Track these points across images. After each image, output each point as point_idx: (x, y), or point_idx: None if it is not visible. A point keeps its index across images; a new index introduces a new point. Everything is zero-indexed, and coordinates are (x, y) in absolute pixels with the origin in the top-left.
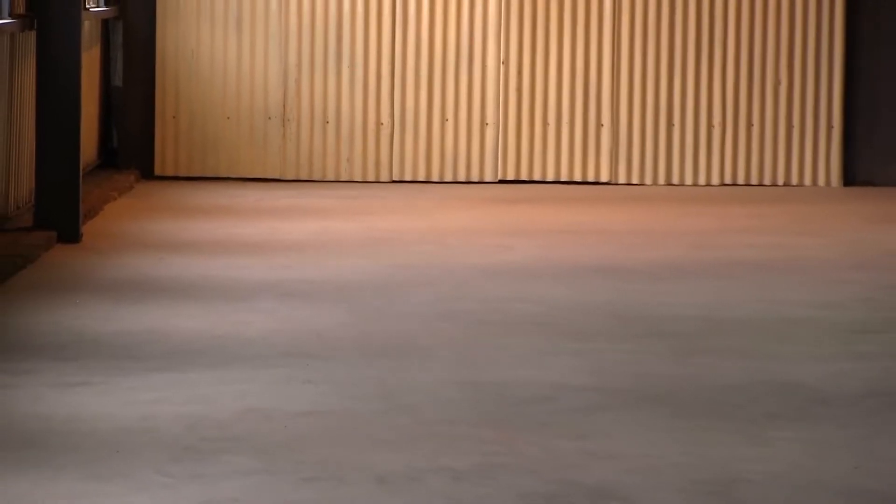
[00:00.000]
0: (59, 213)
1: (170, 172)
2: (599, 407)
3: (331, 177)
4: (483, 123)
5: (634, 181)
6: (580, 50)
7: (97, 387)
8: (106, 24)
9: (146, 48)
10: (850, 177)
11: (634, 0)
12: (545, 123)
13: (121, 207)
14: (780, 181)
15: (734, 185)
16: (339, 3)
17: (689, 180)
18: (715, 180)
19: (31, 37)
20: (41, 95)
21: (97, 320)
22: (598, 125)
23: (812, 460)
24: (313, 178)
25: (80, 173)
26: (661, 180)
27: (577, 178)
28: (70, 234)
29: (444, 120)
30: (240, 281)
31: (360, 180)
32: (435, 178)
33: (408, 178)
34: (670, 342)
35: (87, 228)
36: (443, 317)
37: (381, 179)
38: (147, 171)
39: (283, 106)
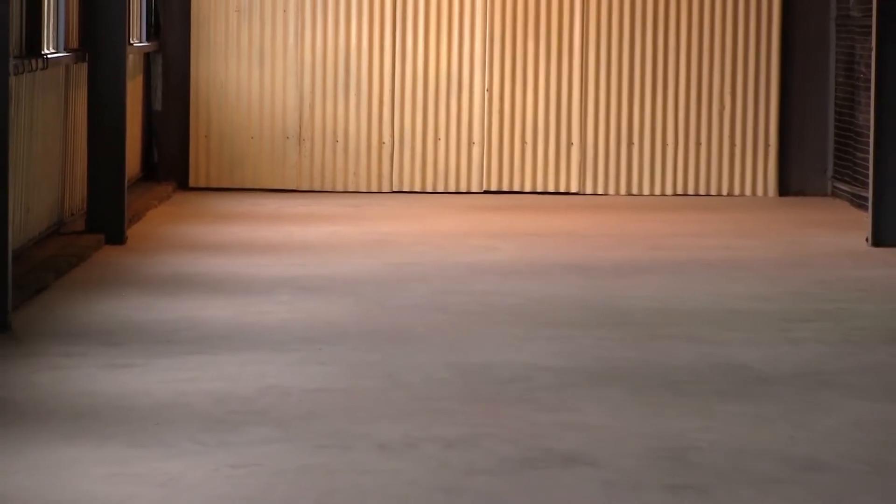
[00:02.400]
0: (108, 218)
1: (202, 184)
2: (570, 385)
3: (339, 188)
4: (470, 142)
5: (600, 191)
6: (553, 79)
7: (139, 368)
8: (147, 57)
9: (182, 78)
10: (784, 188)
11: (600, 36)
12: (523, 142)
13: (160, 214)
14: (725, 192)
15: (685, 195)
16: (346, 40)
17: (646, 191)
18: (668, 191)
19: (83, 68)
20: (92, 118)
21: (139, 310)
22: (569, 143)
23: (753, 431)
24: (325, 189)
25: (126, 185)
26: (623, 191)
27: (551, 188)
28: (117, 237)
29: (436, 139)
30: (261, 277)
31: (364, 191)
32: (429, 188)
33: (406, 188)
34: (631, 329)
35: (131, 232)
36: (435, 308)
37: (383, 190)
38: (183, 183)
39: (299, 127)
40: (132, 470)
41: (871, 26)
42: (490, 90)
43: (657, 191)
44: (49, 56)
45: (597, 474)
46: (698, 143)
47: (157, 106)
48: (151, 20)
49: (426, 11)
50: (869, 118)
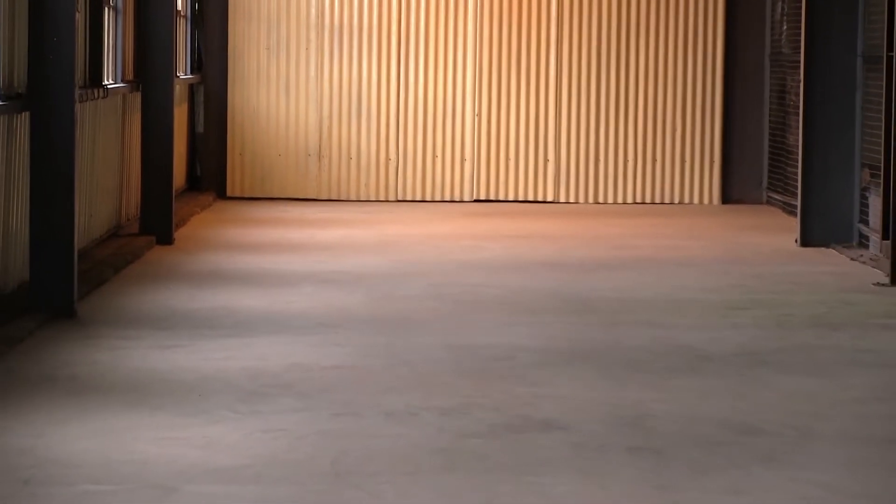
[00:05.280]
0: (158, 222)
1: (238, 194)
2: (546, 363)
3: (353, 197)
4: (462, 159)
5: (571, 200)
6: (532, 106)
7: (185, 348)
8: (191, 87)
9: (220, 104)
10: (726, 197)
11: (571, 70)
12: (507, 158)
13: (203, 219)
14: (676, 200)
15: (643, 203)
16: (358, 73)
17: (610, 199)
18: (629, 199)
19: (138, 96)
20: (145, 138)
21: (185, 300)
22: (545, 160)
23: (699, 401)
24: (340, 198)
25: (173, 194)
26: (591, 199)
27: (531, 197)
28: (166, 238)
29: (434, 156)
30: (288, 272)
31: (373, 199)
32: (428, 198)
33: (408, 198)
34: (597, 316)
35: (178, 234)
36: (433, 298)
37: (389, 199)
38: (221, 193)
39: (319, 146)
40: (179, 434)
41: (799, 61)
42: (479, 115)
43: (619, 199)
44: (109, 86)
45: (568, 437)
46: (654, 159)
47: (200, 128)
48: (195, 56)
49: (425, 49)
50: (797, 139)
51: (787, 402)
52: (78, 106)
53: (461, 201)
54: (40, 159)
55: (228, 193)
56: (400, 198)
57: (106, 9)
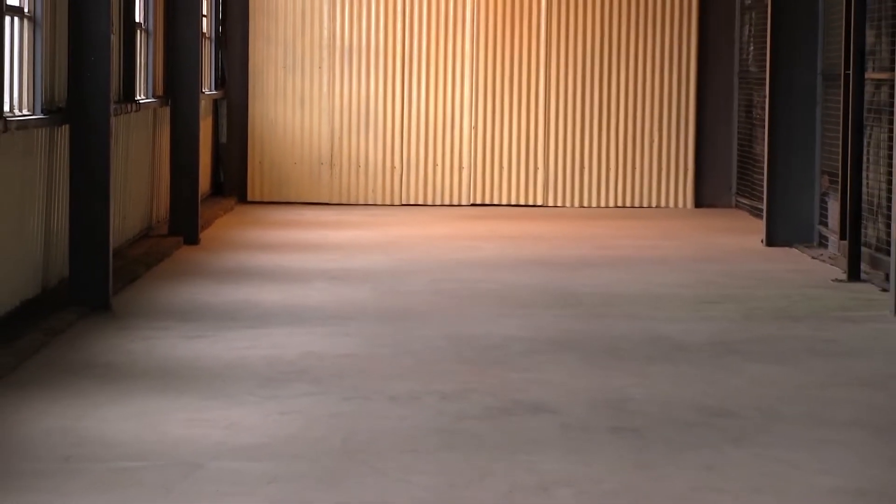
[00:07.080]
0: (185, 224)
1: (257, 198)
2: (536, 351)
3: (361, 201)
4: (460, 166)
5: (559, 204)
6: (523, 119)
7: (210, 338)
8: (216, 102)
9: (242, 117)
10: (699, 201)
11: (559, 87)
12: (501, 166)
13: (226, 221)
14: (654, 204)
15: (624, 206)
16: (366, 89)
17: (594, 203)
18: (611, 203)
19: (167, 111)
20: (173, 148)
21: (210, 295)
22: (535, 167)
23: (674, 387)
24: (350, 203)
25: (199, 198)
26: (577, 203)
27: (522, 202)
28: (192, 239)
29: (434, 164)
30: (303, 269)
31: (380, 204)
32: (429, 202)
33: (411, 202)
34: (582, 309)
35: (203, 235)
36: (434, 292)
37: (394, 203)
38: (242, 198)
39: (331, 155)
40: (204, 416)
41: (765, 79)
42: (475, 127)
43: (602, 203)
44: (141, 101)
45: (556, 419)
46: (633, 167)
47: (223, 139)
48: (219, 74)
49: (427, 67)
50: (763, 149)
51: (754, 387)
52: (113, 119)
53: (459, 205)
54: (79, 167)
55: (249, 198)
56: (403, 202)
57: (138, 31)
